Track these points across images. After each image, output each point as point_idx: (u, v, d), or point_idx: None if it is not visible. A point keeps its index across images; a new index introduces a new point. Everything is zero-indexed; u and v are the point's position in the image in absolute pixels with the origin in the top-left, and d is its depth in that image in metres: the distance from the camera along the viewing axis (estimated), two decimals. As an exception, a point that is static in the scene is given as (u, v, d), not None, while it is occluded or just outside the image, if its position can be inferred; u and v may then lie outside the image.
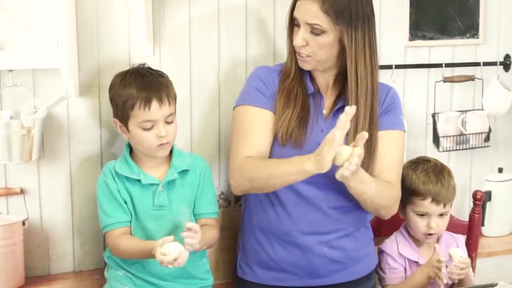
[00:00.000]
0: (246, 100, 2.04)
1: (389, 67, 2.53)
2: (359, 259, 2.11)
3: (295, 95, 2.01)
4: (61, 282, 2.24)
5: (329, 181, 1.93)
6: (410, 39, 2.58)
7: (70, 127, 2.21)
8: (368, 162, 1.98)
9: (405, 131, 2.14)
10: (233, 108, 2.10)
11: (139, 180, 2.02)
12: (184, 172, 2.06)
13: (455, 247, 2.13)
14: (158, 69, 2.11)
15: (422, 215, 2.14)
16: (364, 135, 1.78)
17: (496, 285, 1.89)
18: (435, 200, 2.12)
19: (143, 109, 1.94)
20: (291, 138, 1.98)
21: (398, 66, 2.56)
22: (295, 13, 1.95)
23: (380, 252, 2.21)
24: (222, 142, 2.35)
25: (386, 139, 2.03)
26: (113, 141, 2.25)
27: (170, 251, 1.79)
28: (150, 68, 2.05)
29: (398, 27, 2.55)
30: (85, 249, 2.28)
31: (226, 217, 2.33)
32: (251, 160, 1.97)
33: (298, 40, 1.94)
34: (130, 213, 2.03)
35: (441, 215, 2.14)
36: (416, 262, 2.16)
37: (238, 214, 2.25)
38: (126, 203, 2.02)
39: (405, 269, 2.16)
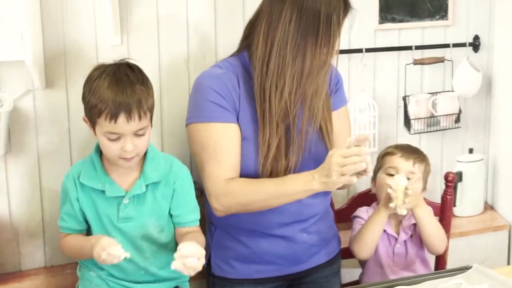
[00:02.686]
0: (206, 117, 1.92)
1: (359, 50, 2.53)
2: (330, 239, 2.14)
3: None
4: (32, 278, 2.22)
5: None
6: (380, 22, 2.57)
7: (37, 120, 2.18)
8: (331, 144, 2.02)
9: None
10: (188, 124, 1.96)
11: (103, 191, 1.89)
12: (155, 183, 1.92)
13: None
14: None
15: (391, 174, 2.14)
16: (368, 137, 1.81)
17: (470, 267, 1.90)
18: (404, 156, 2.14)
19: (108, 121, 1.77)
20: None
21: (368, 50, 2.55)
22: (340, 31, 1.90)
23: (353, 218, 2.24)
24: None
25: (339, 117, 2.06)
26: (82, 134, 2.20)
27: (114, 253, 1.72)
28: (132, 69, 1.86)
29: (368, 10, 2.54)
30: (56, 243, 2.21)
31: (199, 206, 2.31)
32: (239, 184, 1.92)
33: None
34: (88, 223, 1.93)
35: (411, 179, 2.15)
36: (384, 231, 2.17)
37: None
38: (84, 213, 1.91)
39: None
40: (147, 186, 1.89)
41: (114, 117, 1.76)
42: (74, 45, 2.17)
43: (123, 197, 1.88)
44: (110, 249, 1.72)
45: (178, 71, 2.30)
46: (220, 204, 1.92)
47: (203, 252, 1.78)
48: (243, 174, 1.95)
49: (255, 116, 1.94)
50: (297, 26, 1.85)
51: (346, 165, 1.76)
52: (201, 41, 2.31)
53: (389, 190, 2.01)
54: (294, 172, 1.94)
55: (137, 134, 1.81)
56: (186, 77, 2.32)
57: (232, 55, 2.03)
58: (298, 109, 1.93)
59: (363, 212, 2.22)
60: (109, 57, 2.15)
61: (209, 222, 2.12)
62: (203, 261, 1.77)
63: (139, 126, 1.80)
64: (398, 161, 2.14)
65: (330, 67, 1.93)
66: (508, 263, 2.77)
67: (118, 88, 1.78)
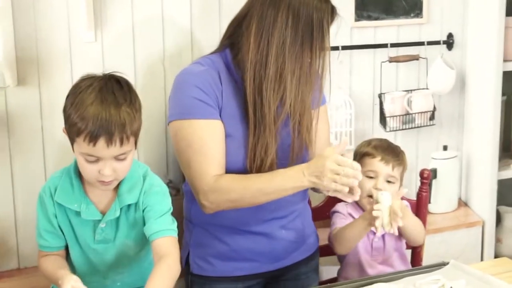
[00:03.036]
0: (191, 114, 1.89)
1: (335, 48, 2.52)
2: (308, 236, 2.14)
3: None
4: (5, 280, 2.18)
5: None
6: (356, 20, 2.58)
7: (10, 119, 2.13)
8: (310, 142, 2.00)
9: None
10: (170, 122, 1.92)
11: (79, 212, 1.76)
12: (129, 206, 1.78)
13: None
14: (101, 56, 2.02)
15: (371, 177, 2.14)
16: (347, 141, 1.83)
17: (447, 263, 1.91)
18: (384, 160, 2.14)
19: (87, 143, 1.61)
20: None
21: (344, 47, 2.55)
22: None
23: (332, 213, 2.23)
24: (168, 129, 2.29)
25: (319, 116, 2.05)
26: (55, 133, 2.16)
27: None
28: (121, 86, 1.68)
29: (344, 8, 2.52)
30: (30, 245, 2.20)
31: (175, 205, 2.28)
32: (228, 180, 1.89)
33: None
34: (66, 239, 1.81)
35: (389, 182, 2.15)
36: None
37: (187, 202, 2.20)
38: (61, 229, 1.80)
39: None
40: (121, 209, 1.76)
41: (93, 139, 1.60)
42: (46, 42, 2.12)
43: (99, 220, 1.76)
44: None
45: (154, 69, 2.28)
46: (209, 201, 1.90)
47: None
48: (229, 171, 1.93)
49: (240, 114, 1.93)
50: (294, 32, 1.84)
51: (339, 175, 1.78)
52: (177, 38, 2.29)
53: (374, 213, 1.96)
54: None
55: (117, 159, 1.66)
56: (161, 75, 2.29)
57: (213, 52, 2.01)
58: (299, 117, 1.93)
59: (341, 207, 2.22)
60: (83, 53, 2.15)
61: (187, 220, 2.10)
62: None
63: (120, 151, 1.65)
64: (378, 165, 2.14)
65: (326, 74, 1.92)
66: (482, 259, 2.80)
67: (101, 108, 1.61)
